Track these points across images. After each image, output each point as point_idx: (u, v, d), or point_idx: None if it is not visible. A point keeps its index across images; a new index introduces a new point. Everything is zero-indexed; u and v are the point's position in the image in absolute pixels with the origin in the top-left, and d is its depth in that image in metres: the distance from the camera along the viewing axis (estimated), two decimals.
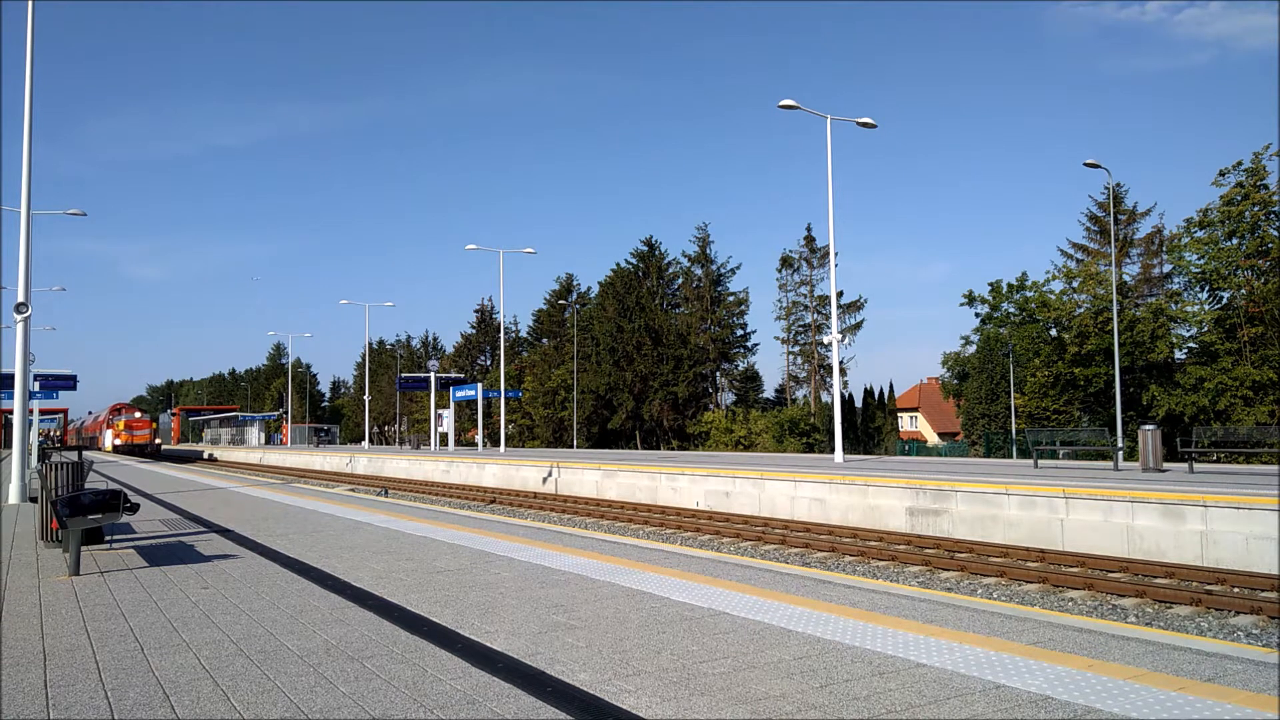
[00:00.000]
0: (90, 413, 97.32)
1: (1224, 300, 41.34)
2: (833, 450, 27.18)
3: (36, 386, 28.91)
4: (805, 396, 59.24)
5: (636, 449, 56.24)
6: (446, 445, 51.12)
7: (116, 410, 74.32)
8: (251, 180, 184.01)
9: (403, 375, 58.85)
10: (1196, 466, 20.67)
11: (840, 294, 55.50)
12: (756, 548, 15.57)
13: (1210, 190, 49.51)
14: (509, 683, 4.39)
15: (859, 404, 59.19)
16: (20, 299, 15.39)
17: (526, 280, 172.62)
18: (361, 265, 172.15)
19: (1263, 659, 4.79)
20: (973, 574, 12.50)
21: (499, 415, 52.12)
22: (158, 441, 70.53)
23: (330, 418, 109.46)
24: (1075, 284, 45.88)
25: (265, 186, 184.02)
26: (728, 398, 62.81)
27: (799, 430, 51.13)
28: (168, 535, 11.13)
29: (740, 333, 63.19)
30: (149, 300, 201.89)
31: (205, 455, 72.12)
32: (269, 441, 79.16)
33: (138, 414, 71.22)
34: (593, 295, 68.78)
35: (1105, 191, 44.56)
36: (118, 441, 64.67)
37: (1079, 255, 48.53)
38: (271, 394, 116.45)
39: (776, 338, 64.18)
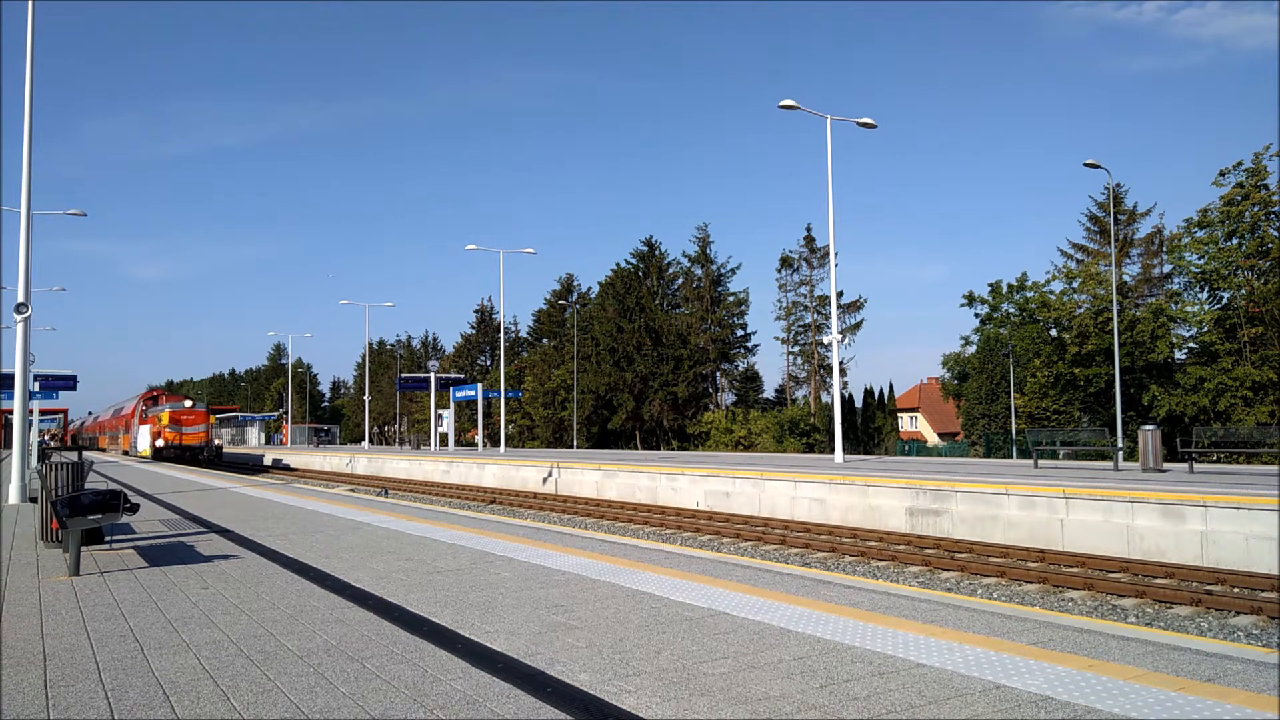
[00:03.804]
0: (91, 414, 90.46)
1: (1224, 300, 41.34)
2: (833, 450, 27.18)
3: (36, 386, 28.92)
4: (805, 396, 59.23)
5: (636, 449, 56.22)
6: (446, 445, 51.12)
7: (152, 398, 52.75)
8: (251, 180, 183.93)
9: (403, 375, 58.86)
10: (1196, 466, 20.66)
11: (840, 294, 55.57)
12: (756, 548, 15.56)
13: (1210, 190, 49.59)
14: (509, 683, 4.38)
15: (859, 404, 59.21)
16: (20, 299, 15.39)
17: (526, 280, 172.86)
18: (361, 265, 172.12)
19: (1263, 659, 4.79)
20: (973, 574, 12.50)
21: (499, 415, 52.12)
22: (217, 443, 51.04)
23: (330, 418, 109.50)
24: (1075, 284, 45.90)
25: (265, 186, 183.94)
26: (728, 398, 62.87)
27: (799, 430, 51.17)
28: (168, 535, 11.12)
29: (740, 333, 63.29)
30: (149, 300, 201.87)
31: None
32: (269, 442, 79.13)
33: (187, 403, 48.85)
34: (593, 295, 68.83)
35: (1105, 192, 44.61)
36: (160, 443, 44.91)
37: (1079, 255, 48.57)
38: (271, 394, 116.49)
39: (776, 338, 64.25)
